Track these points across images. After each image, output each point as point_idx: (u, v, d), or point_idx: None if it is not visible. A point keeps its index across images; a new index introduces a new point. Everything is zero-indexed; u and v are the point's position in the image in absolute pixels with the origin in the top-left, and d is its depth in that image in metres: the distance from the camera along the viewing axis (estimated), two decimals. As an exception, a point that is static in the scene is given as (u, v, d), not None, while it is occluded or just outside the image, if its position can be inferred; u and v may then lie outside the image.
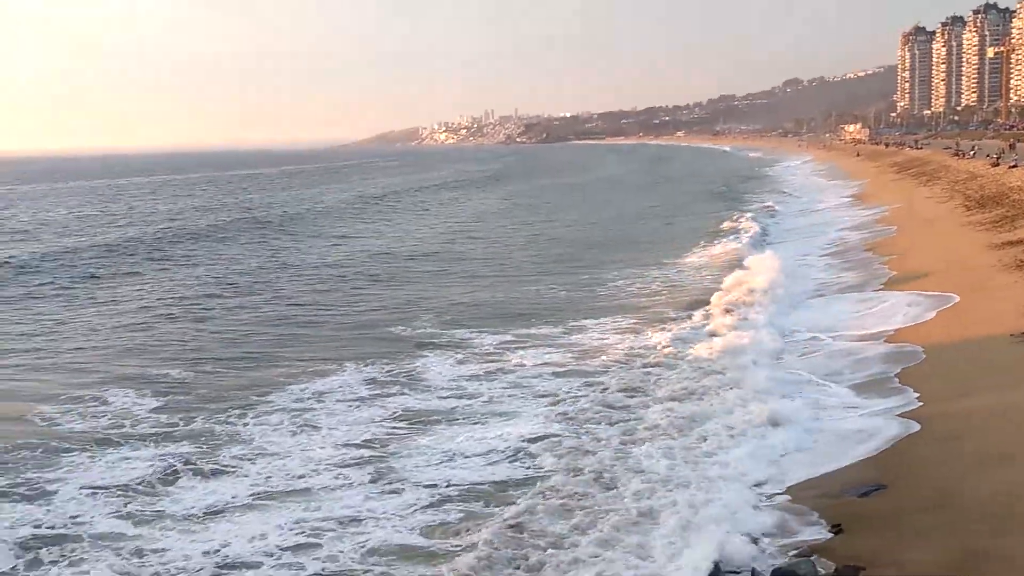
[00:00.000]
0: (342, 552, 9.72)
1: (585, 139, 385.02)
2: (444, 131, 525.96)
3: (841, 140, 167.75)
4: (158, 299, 25.98)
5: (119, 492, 11.47)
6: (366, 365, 17.45)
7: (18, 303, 25.79)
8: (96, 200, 76.78)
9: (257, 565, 9.51)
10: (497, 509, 10.63)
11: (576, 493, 10.82)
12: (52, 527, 10.47)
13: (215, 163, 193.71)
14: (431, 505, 10.92)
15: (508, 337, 19.71)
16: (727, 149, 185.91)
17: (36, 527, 10.44)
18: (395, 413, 14.62)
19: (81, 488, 11.57)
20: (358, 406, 15.05)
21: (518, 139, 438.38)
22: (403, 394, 15.71)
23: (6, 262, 33.93)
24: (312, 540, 10.03)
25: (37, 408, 15.02)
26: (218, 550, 9.83)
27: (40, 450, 13.00)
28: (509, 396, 15.39)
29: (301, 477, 11.92)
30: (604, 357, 17.67)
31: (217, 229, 46.87)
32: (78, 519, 10.68)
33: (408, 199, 70.99)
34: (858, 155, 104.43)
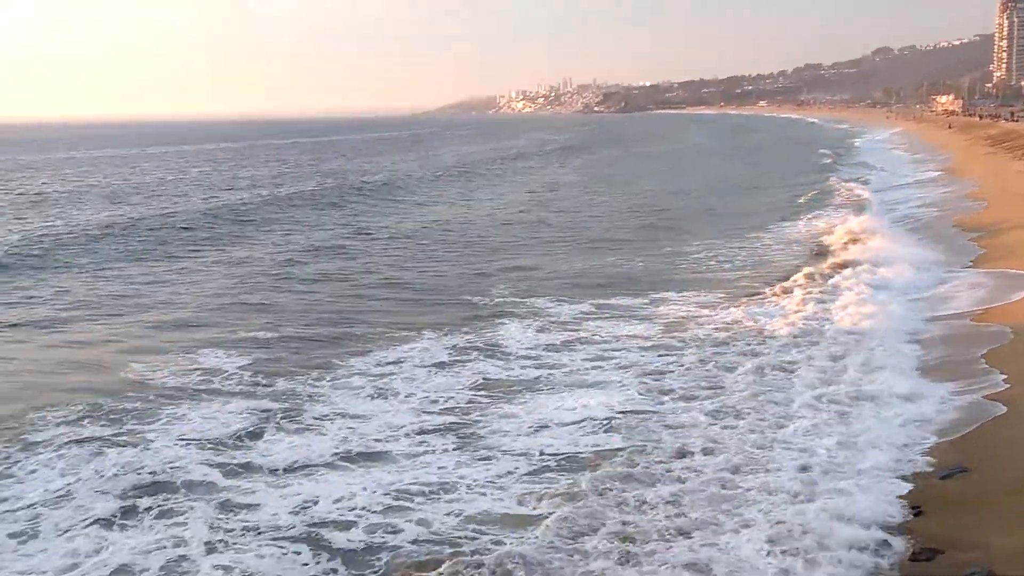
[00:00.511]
0: (435, 517, 9.77)
1: (665, 108, 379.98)
2: (522, 100, 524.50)
3: (932, 112, 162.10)
4: (245, 264, 26.69)
5: (210, 445, 11.91)
6: (445, 333, 17.57)
7: (117, 264, 26.70)
8: (185, 165, 78.73)
9: (348, 525, 9.70)
10: (593, 477, 10.56)
11: (664, 464, 10.88)
12: (150, 475, 10.91)
13: (302, 130, 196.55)
14: (529, 474, 10.92)
15: (587, 307, 19.71)
16: (815, 120, 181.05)
17: (137, 474, 10.90)
18: (476, 381, 14.73)
19: (176, 440, 12.07)
20: (438, 373, 15.20)
21: (596, 108, 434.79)
22: (482, 361, 15.82)
23: (108, 226, 35.09)
24: (402, 504, 10.15)
25: (133, 363, 15.65)
26: (306, 507, 10.09)
27: (139, 402, 13.58)
28: (594, 367, 15.33)
29: (382, 440, 12.13)
30: (690, 330, 17.47)
31: (302, 196, 47.54)
32: (173, 469, 11.11)
33: (486, 168, 71.06)
34: (950, 127, 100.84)
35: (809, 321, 17.44)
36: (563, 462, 11.32)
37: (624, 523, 9.39)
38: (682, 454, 11.26)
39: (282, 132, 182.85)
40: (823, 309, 18.24)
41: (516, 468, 11.16)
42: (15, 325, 18.96)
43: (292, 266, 26.23)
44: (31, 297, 21.94)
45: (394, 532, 9.53)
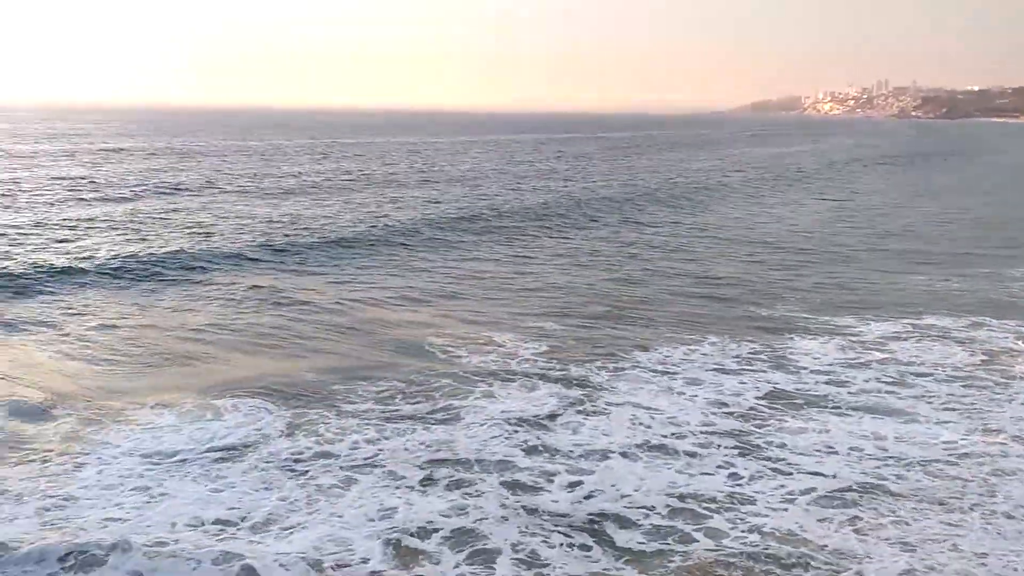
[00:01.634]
0: (729, 529, 9.56)
1: (993, 116, 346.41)
2: (829, 101, 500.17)
3: None
4: (553, 257, 27.46)
5: (512, 424, 12.51)
6: (730, 340, 17.35)
7: (439, 252, 28.30)
8: (503, 155, 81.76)
9: (632, 523, 9.75)
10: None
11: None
12: (450, 450, 11.64)
13: (600, 124, 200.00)
14: (825, 497, 10.43)
15: (894, 327, 18.46)
16: None
17: (436, 450, 11.64)
18: (764, 391, 14.37)
19: (478, 416, 12.82)
20: (724, 377, 15.05)
21: (913, 113, 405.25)
22: (771, 372, 15.42)
23: (446, 216, 37.12)
24: (690, 507, 10.10)
25: (439, 344, 16.75)
26: (591, 497, 10.34)
27: (446, 380, 14.55)
28: (889, 391, 14.42)
29: (669, 436, 12.24)
30: (1018, 365, 15.85)
31: (596, 198, 47.61)
32: (474, 445, 11.80)
33: (793, 175, 67.95)
34: None
35: None
36: (862, 487, 10.67)
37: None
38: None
39: (562, 126, 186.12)
40: None
41: (813, 488, 10.65)
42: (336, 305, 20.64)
43: (593, 260, 26.74)
44: (357, 278, 23.71)
45: (683, 540, 9.41)
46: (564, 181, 54.48)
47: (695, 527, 9.64)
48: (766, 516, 9.90)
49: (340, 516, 9.68)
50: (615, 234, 32.88)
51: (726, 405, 13.65)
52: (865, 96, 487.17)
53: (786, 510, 10.04)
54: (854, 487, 10.64)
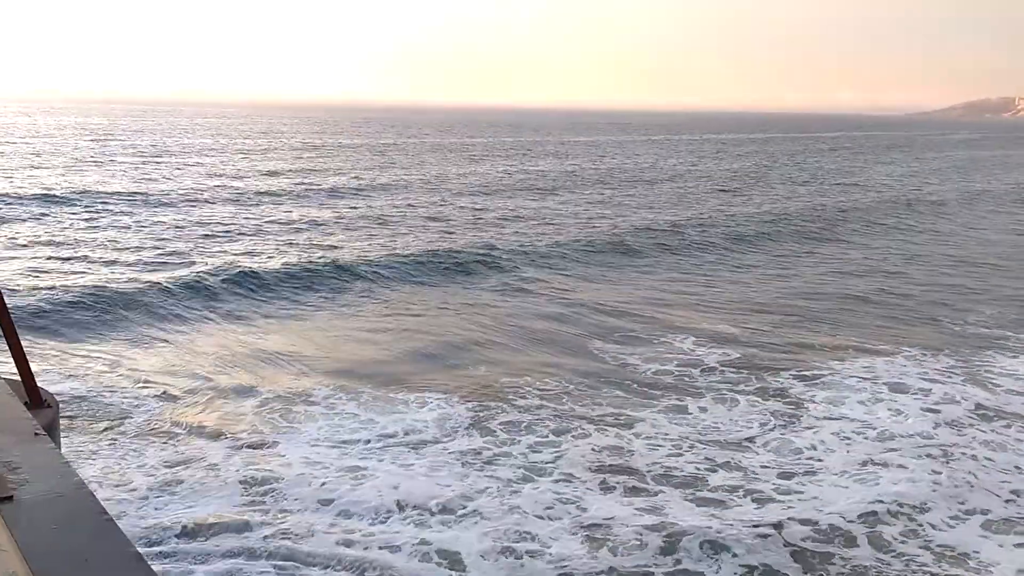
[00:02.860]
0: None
1: None
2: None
3: None
4: (738, 268, 26.87)
5: (694, 438, 12.32)
6: (925, 354, 16.69)
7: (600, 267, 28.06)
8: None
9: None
10: None
11: None
12: (628, 457, 11.63)
13: (793, 125, 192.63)
14: None
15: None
16: None
17: (618, 456, 11.61)
18: (968, 410, 13.68)
19: (656, 429, 12.65)
20: (923, 394, 14.41)
21: None
22: (970, 387, 14.79)
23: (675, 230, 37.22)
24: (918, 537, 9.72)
25: (611, 348, 16.73)
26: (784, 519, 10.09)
27: (620, 388, 14.46)
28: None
29: (885, 451, 11.87)
30: None
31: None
32: (653, 458, 11.68)
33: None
34: None
35: None
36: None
37: None
38: None
39: (760, 125, 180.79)
40: None
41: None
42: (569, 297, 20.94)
43: (761, 269, 25.92)
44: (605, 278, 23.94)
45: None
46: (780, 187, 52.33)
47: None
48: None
49: (522, 508, 9.92)
50: (804, 247, 31.51)
51: (929, 424, 13.05)
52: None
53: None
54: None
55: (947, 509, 10.23)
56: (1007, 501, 10.55)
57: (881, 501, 10.29)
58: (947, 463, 11.55)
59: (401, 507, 9.82)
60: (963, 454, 11.88)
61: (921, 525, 9.82)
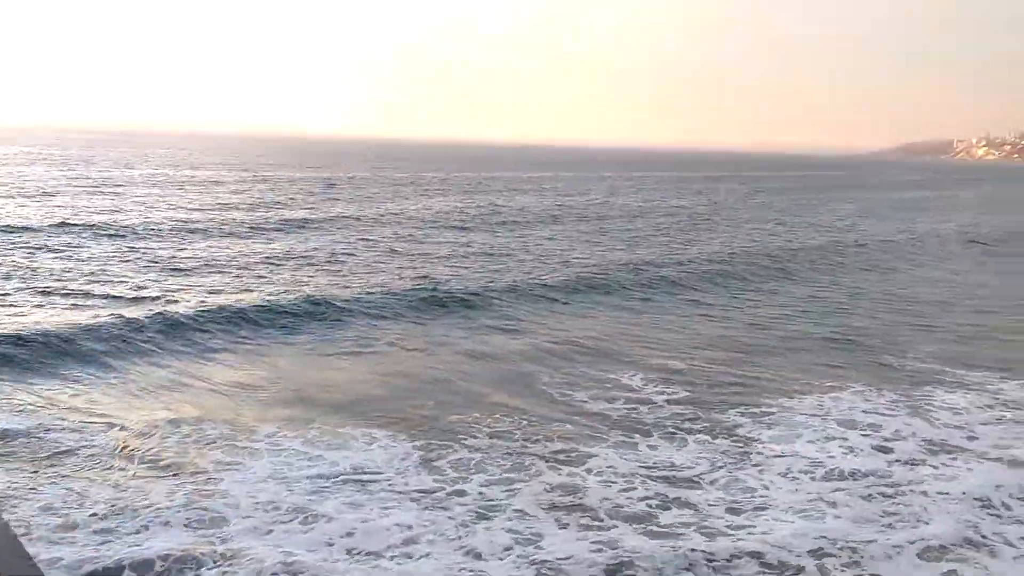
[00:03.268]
0: None
1: None
2: (984, 146, 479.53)
3: None
4: (681, 304, 27.12)
5: (643, 475, 12.42)
6: (872, 390, 17.15)
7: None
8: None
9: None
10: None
11: None
12: (574, 495, 11.64)
13: (739, 164, 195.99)
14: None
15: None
16: None
17: (559, 493, 11.65)
18: (915, 445, 14.11)
19: (604, 467, 12.72)
20: (872, 429, 14.75)
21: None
22: (913, 420, 15.26)
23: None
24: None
25: (559, 385, 16.83)
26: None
27: (570, 423, 14.56)
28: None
29: (828, 491, 12.00)
30: None
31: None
32: (598, 492, 11.74)
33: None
34: None
35: None
36: None
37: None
38: None
39: (709, 166, 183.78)
40: None
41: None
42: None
43: (706, 305, 26.19)
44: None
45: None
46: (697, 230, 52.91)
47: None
48: None
49: (476, 548, 9.89)
50: (750, 285, 31.91)
51: (871, 463, 13.26)
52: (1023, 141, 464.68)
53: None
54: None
55: (887, 540, 10.44)
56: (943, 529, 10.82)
57: (825, 536, 10.47)
58: (894, 498, 11.78)
59: (350, 547, 9.75)
60: (912, 490, 12.12)
61: (863, 557, 10.03)
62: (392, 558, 9.56)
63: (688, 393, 16.49)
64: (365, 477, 11.83)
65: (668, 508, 11.29)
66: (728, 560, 9.79)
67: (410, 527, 10.29)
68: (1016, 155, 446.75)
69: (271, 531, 10.02)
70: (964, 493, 12.00)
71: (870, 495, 11.90)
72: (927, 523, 11.03)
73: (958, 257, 43.37)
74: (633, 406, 15.61)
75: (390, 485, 11.60)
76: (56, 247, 31.32)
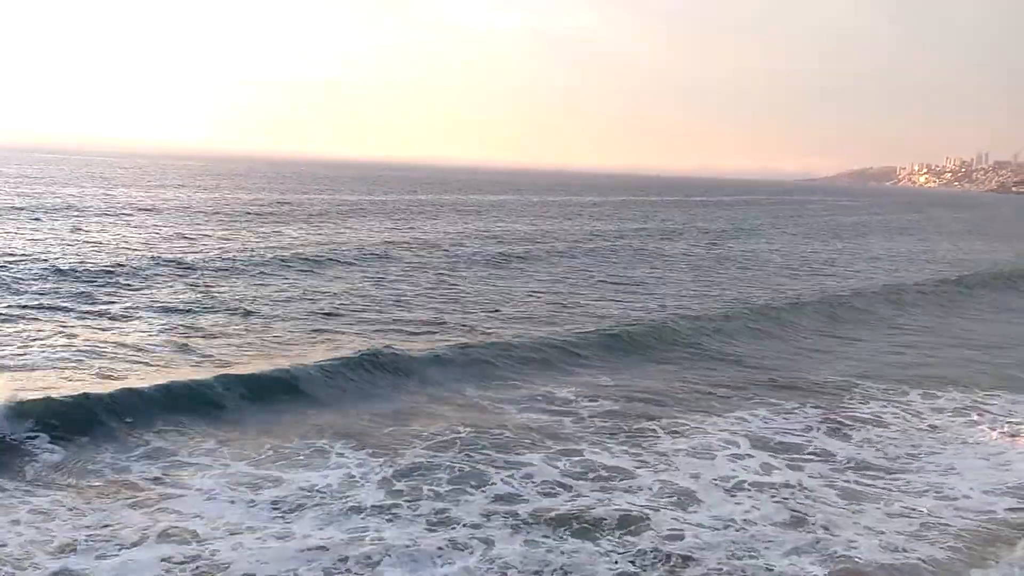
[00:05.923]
0: None
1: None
2: (925, 173, 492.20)
3: None
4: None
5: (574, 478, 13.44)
6: (792, 404, 18.15)
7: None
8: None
9: None
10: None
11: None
12: (516, 503, 12.47)
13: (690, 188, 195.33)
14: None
15: (949, 404, 18.77)
16: None
17: (503, 503, 12.44)
18: (825, 458, 15.07)
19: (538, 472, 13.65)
20: (781, 449, 15.52)
21: (1014, 188, 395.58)
22: (826, 438, 16.15)
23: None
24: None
25: (487, 395, 17.77)
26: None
27: (507, 435, 15.40)
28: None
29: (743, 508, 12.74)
30: None
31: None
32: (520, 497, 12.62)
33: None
34: None
35: None
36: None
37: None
38: None
39: (659, 189, 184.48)
40: None
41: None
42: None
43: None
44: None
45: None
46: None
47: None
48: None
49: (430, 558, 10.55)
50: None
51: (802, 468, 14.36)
52: (964, 169, 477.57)
53: None
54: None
55: (792, 545, 11.38)
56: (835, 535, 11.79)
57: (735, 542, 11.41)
58: (805, 515, 12.45)
59: (308, 562, 10.20)
60: (823, 501, 12.99)
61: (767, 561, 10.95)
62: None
63: (614, 407, 17.39)
64: (316, 495, 12.35)
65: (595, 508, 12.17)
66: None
67: (365, 541, 10.82)
68: (956, 183, 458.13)
69: (220, 554, 10.32)
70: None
71: (779, 508, 12.63)
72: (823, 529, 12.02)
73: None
74: (558, 418, 16.55)
75: (342, 502, 12.08)
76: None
